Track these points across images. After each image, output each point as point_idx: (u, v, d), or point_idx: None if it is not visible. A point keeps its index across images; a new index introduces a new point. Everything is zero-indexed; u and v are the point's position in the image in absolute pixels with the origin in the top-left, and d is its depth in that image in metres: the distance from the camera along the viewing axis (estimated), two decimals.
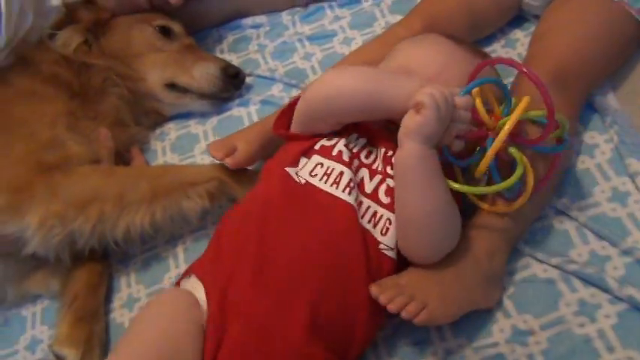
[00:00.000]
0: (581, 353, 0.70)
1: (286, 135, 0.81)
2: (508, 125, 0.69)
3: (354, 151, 0.76)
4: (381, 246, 0.72)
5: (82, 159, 0.95)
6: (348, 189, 0.72)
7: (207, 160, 1.06)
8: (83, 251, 0.91)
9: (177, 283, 0.77)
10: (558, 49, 0.85)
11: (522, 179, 0.72)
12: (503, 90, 0.76)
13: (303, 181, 0.74)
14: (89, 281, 0.93)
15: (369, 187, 0.74)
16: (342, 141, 0.76)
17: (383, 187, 0.74)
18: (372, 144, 0.78)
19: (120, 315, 0.92)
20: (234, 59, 1.22)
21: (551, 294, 0.76)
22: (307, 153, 0.77)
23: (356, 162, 0.75)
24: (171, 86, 1.12)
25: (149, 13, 1.16)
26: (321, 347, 0.67)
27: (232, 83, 1.13)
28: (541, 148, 0.74)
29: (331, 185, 0.73)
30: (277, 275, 0.68)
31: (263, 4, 1.26)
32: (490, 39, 1.04)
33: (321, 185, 0.73)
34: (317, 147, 0.77)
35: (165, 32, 1.14)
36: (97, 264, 0.95)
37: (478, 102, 0.72)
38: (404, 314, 0.68)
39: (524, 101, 0.70)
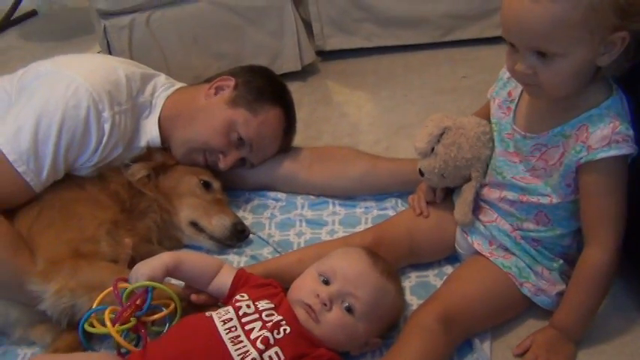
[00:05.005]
0: None
1: None
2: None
3: None
4: None
5: (106, 257, 1.31)
6: None
7: None
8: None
9: None
10: (451, 297, 1.12)
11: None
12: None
13: None
14: (70, 344, 1.24)
15: None
16: None
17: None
18: None
19: None
20: (249, 218, 1.57)
21: None
22: None
23: None
24: (194, 224, 1.49)
25: (202, 168, 1.58)
26: None
27: (238, 237, 1.48)
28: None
29: None
30: None
31: (286, 187, 1.64)
32: (427, 266, 1.33)
33: None
34: None
35: (206, 185, 1.53)
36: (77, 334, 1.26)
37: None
38: None
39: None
